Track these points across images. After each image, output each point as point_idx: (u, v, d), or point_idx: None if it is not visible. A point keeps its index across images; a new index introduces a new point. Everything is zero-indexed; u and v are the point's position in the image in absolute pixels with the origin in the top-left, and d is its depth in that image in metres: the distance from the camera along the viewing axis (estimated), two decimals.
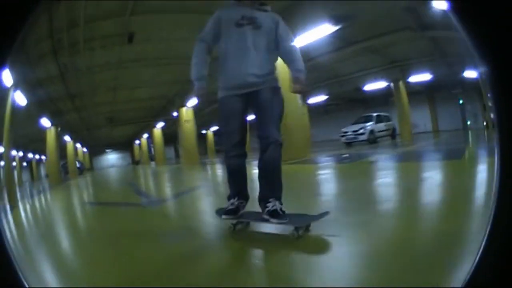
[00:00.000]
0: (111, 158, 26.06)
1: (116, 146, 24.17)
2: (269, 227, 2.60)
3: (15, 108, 7.64)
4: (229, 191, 2.83)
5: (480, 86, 11.24)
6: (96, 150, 24.01)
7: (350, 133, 16.23)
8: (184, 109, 14.20)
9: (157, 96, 13.84)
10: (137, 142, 24.09)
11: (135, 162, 24.76)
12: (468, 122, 21.98)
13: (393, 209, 3.15)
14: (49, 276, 2.42)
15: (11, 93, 7.24)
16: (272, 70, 2.79)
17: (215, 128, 22.22)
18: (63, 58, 8.14)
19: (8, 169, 8.05)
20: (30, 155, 17.85)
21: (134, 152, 25.24)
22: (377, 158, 8.37)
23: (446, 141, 13.77)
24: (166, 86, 12.43)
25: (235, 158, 2.78)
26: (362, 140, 15.72)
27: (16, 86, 7.32)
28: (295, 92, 2.75)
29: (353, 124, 16.66)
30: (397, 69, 14.17)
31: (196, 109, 13.77)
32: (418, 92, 17.92)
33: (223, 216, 2.76)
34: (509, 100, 1.03)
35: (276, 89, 2.78)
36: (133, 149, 25.15)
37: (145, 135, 21.79)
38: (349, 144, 15.78)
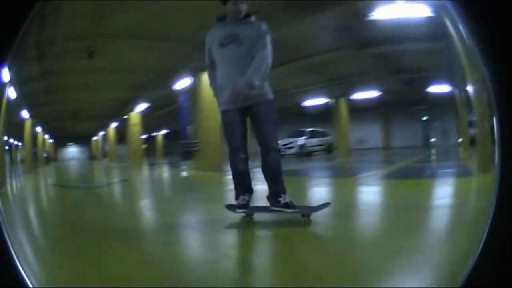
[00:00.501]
0: (72, 151, 27.82)
1: (77, 140, 26.22)
2: (276, 216, 3.23)
3: (8, 101, 10.24)
4: (237, 189, 3.31)
5: (457, 102, 10.42)
6: (60, 142, 25.76)
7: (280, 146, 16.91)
8: (132, 114, 16.27)
9: (112, 99, 15.43)
10: (94, 138, 26.19)
11: (92, 157, 26.68)
12: (433, 139, 22.87)
13: None
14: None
15: (6, 88, 9.42)
16: (261, 82, 3.15)
17: (164, 131, 23.98)
18: (42, 62, 9.91)
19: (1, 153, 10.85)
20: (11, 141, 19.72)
21: (91, 148, 27.31)
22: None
23: (388, 157, 14.87)
24: (120, 92, 14.18)
25: (240, 161, 3.23)
26: (291, 154, 16.38)
27: (10, 82, 9.63)
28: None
29: (287, 137, 17.10)
30: (339, 86, 14.46)
31: (144, 114, 15.95)
32: (372, 109, 18.39)
33: (237, 210, 3.28)
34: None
35: (268, 103, 3.20)
36: (91, 145, 27.23)
37: (101, 133, 23.85)
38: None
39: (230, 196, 3.54)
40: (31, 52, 9.02)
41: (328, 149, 18.44)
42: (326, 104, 17.36)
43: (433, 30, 7.88)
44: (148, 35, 8.74)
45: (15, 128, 14.55)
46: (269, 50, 3.16)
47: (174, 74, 10.67)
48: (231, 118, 3.23)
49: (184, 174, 10.24)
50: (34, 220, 4.41)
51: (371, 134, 20.65)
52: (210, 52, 3.28)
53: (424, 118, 21.52)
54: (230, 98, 3.15)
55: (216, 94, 3.32)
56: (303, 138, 17.43)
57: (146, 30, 8.53)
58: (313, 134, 18.16)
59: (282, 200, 3.09)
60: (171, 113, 15.00)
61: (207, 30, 3.36)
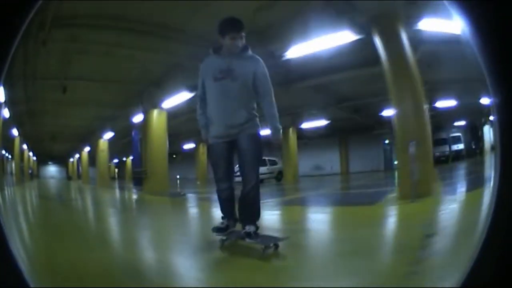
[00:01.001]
0: (52, 170, 29.24)
1: (56, 160, 27.96)
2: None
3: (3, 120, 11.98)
4: (222, 213, 3.43)
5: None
6: (42, 160, 27.52)
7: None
8: (100, 141, 17.38)
9: (83, 126, 16.88)
10: (71, 160, 27.98)
11: (69, 178, 28.45)
12: (396, 162, 23.10)
13: None
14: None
15: (2, 108, 11.09)
16: (249, 118, 3.25)
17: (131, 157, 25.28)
18: (27, 90, 11.43)
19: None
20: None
21: (68, 169, 29.01)
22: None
23: (323, 183, 15.49)
24: (89, 121, 15.76)
25: (223, 190, 3.36)
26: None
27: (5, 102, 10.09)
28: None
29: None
30: (287, 117, 14.87)
31: (110, 142, 17.41)
32: (329, 135, 18.96)
33: (214, 233, 3.38)
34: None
35: (253, 136, 3.26)
36: (68, 166, 28.97)
37: (77, 156, 25.59)
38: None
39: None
40: (19, 80, 10.59)
41: (277, 177, 19.27)
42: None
43: (365, 55, 8.38)
44: (107, 78, 10.67)
45: (8, 143, 16.36)
46: (272, 90, 3.32)
47: (130, 110, 12.49)
48: (218, 151, 3.34)
49: (135, 196, 12.14)
50: (24, 219, 6.22)
51: (329, 160, 21.14)
52: (203, 84, 3.37)
53: (386, 141, 21.54)
54: (221, 133, 3.28)
55: (203, 126, 3.42)
56: None
57: (105, 74, 10.44)
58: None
59: (246, 229, 3.22)
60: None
61: (202, 60, 3.42)
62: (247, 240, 3.19)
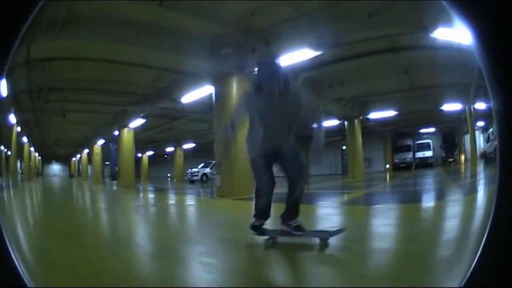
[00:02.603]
0: (56, 168, 34.51)
1: (60, 160, 33.16)
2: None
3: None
4: (257, 215, 3.76)
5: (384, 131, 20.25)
6: (47, 160, 32.89)
7: (189, 174, 21.65)
8: (95, 146, 22.56)
9: (81, 137, 22.12)
10: (73, 159, 32.73)
11: (70, 175, 33.36)
12: None
13: None
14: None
15: (15, 127, 16.26)
16: (290, 137, 3.70)
17: None
18: (35, 112, 15.03)
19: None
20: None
21: (70, 167, 34.13)
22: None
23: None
24: (84, 133, 20.94)
25: (265, 193, 3.73)
26: (196, 180, 20.61)
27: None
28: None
29: (195, 167, 21.54)
30: None
31: (104, 147, 22.50)
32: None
33: (251, 231, 3.73)
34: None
35: (295, 146, 3.70)
36: (70, 165, 34.02)
37: (78, 156, 30.41)
38: (191, 181, 21.03)
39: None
40: (27, 103, 13.57)
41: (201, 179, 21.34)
42: None
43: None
44: (93, 110, 16.06)
45: (19, 149, 21.24)
46: (320, 111, 3.80)
47: (110, 128, 17.98)
48: (260, 162, 3.73)
49: (114, 187, 18.02)
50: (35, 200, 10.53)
51: None
52: (247, 107, 3.77)
53: (344, 147, 22.31)
54: (263, 152, 3.66)
55: (249, 146, 3.85)
56: (207, 168, 21.08)
57: (91, 109, 15.78)
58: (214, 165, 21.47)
59: (294, 223, 3.57)
60: None
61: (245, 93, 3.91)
62: (296, 233, 3.53)
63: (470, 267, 1.15)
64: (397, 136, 24.27)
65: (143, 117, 15.38)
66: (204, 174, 20.98)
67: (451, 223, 4.22)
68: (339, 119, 17.21)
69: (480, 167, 15.57)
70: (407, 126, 22.22)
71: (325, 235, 3.52)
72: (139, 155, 29.56)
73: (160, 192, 14.79)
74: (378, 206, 7.20)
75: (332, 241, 3.42)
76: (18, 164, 23.67)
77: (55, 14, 7.01)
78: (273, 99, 3.51)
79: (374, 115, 17.51)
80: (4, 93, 6.56)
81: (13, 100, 12.28)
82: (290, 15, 7.90)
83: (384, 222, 4.92)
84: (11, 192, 12.52)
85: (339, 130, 17.97)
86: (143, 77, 11.10)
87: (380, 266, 2.67)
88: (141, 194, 13.34)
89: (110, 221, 6.30)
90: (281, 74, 3.54)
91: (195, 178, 21.11)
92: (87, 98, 13.57)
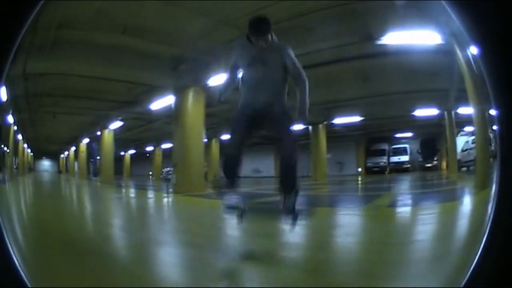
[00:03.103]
0: (46, 164, 35.10)
1: (50, 156, 34.10)
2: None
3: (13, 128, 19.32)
4: (224, 173, 3.84)
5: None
6: (38, 156, 33.82)
7: (164, 172, 22.19)
8: (80, 144, 24.75)
9: (68, 136, 24.25)
10: (62, 156, 34.64)
11: (59, 171, 34.95)
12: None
13: None
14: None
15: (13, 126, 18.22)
16: (279, 97, 3.70)
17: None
18: (29, 111, 16.91)
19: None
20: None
21: (59, 164, 35.73)
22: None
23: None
24: (72, 133, 23.08)
25: (231, 154, 3.83)
26: (171, 178, 20.91)
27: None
28: (297, 122, 3.72)
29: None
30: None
31: (89, 145, 24.81)
32: (265, 144, 21.29)
33: (226, 211, 3.90)
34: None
35: (285, 111, 3.73)
36: (59, 161, 35.65)
37: (66, 153, 32.68)
38: (167, 179, 21.30)
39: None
40: (23, 105, 15.62)
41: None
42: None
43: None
44: (79, 113, 18.54)
45: (15, 146, 23.05)
46: (304, 75, 3.72)
47: (93, 129, 20.39)
48: (242, 119, 3.75)
49: (95, 183, 20.33)
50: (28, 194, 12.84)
51: (266, 164, 23.35)
52: (235, 64, 3.85)
53: None
54: (249, 105, 3.69)
55: (220, 99, 3.92)
56: None
57: (78, 112, 18.30)
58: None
59: (288, 203, 3.60)
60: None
61: (236, 40, 3.98)
62: (286, 216, 3.50)
63: (470, 267, 1.18)
64: (372, 140, 24.96)
65: (121, 120, 17.91)
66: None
67: (443, 226, 4.36)
68: (304, 124, 18.51)
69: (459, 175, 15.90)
70: (383, 131, 22.68)
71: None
72: (122, 153, 31.36)
73: (132, 187, 17.54)
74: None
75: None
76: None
77: (45, 39, 9.07)
78: (263, 49, 3.55)
79: (338, 120, 18.48)
80: (4, 98, 9.08)
81: (11, 103, 14.25)
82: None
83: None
84: (10, 186, 14.16)
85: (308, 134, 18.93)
86: (118, 88, 13.40)
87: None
88: (115, 189, 15.80)
89: (81, 209, 8.60)
90: (271, 29, 3.56)
91: (169, 176, 21.62)
92: (73, 104, 15.87)
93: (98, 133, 19.99)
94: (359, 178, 21.28)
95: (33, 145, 28.71)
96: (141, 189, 16.60)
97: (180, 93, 11.61)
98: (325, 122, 19.08)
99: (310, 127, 18.92)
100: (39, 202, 9.75)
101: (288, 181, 3.64)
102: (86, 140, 24.40)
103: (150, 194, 13.32)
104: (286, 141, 3.62)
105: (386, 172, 23.07)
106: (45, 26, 8.30)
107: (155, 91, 12.91)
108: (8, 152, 18.70)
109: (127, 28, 8.64)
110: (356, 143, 25.24)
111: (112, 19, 8.39)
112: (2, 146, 20.96)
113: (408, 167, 22.86)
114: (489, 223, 1.22)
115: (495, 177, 1.24)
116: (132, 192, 14.14)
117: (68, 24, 8.40)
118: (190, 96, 11.47)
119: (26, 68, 10.00)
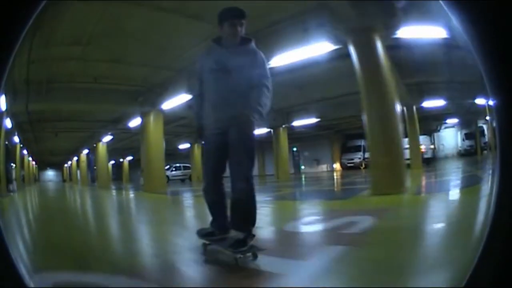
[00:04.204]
0: (50, 174, 39.84)
1: (53, 166, 38.53)
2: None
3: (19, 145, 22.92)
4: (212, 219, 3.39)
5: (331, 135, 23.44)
6: (42, 167, 38.33)
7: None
8: (81, 155, 28.97)
9: (70, 148, 28.26)
10: (65, 165, 38.18)
11: (63, 180, 38.82)
12: (302, 167, 26.91)
13: None
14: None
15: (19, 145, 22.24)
16: (243, 111, 3.10)
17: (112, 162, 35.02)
18: (32, 132, 20.11)
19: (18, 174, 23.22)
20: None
21: (63, 173, 39.69)
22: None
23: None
24: (73, 145, 26.86)
25: (210, 191, 3.36)
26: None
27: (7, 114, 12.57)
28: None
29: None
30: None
31: (88, 155, 28.94)
32: None
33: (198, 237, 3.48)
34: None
35: (245, 128, 3.15)
36: (63, 171, 39.74)
37: (69, 163, 36.07)
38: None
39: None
40: (28, 128, 18.83)
41: (190, 178, 25.92)
42: (189, 147, 25.46)
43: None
44: (77, 129, 22.57)
45: (21, 160, 26.81)
46: (267, 82, 3.20)
47: (90, 142, 24.71)
48: (209, 146, 3.29)
49: (94, 188, 24.56)
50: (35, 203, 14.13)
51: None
52: (200, 75, 3.36)
53: (294, 148, 24.10)
54: (213, 125, 3.25)
55: (198, 120, 3.40)
56: (171, 169, 26.03)
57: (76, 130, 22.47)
58: (178, 168, 27.46)
59: (234, 234, 3.10)
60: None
61: (201, 51, 3.54)
62: (234, 250, 2.92)
63: (471, 267, 1.18)
64: (348, 137, 25.79)
65: (111, 134, 22.11)
66: (165, 176, 24.73)
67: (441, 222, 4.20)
68: (267, 128, 19.91)
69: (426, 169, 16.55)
70: (356, 128, 22.99)
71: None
72: (121, 160, 35.03)
73: (121, 189, 21.20)
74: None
75: None
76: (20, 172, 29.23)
77: (40, 89, 12.44)
78: (236, 51, 3.19)
79: (297, 123, 19.42)
80: (9, 125, 12.59)
81: (17, 127, 17.90)
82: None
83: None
84: (18, 195, 16.07)
85: (290, 134, 20.63)
86: (101, 114, 18.08)
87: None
88: (107, 191, 19.57)
89: (77, 205, 12.07)
90: (244, 20, 3.18)
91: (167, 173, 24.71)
92: (70, 125, 20.10)
93: (94, 145, 24.13)
94: (330, 175, 22.38)
95: (38, 158, 32.09)
96: (126, 189, 20.15)
97: (144, 116, 15.15)
98: (285, 125, 20.16)
99: (271, 131, 20.14)
100: (44, 205, 12.14)
101: (240, 217, 3.19)
102: (85, 151, 28.50)
103: (131, 193, 16.62)
104: (238, 168, 3.16)
105: (362, 168, 23.24)
106: (37, 80, 11.59)
107: (128, 114, 16.95)
108: (15, 167, 22.41)
109: (96, 78, 12.67)
110: (330, 141, 26.12)
111: (85, 72, 12.29)
112: (11, 162, 24.98)
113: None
114: (490, 221, 1.20)
115: (494, 172, 1.22)
116: (118, 192, 17.99)
117: (55, 78, 12.20)
118: (151, 118, 14.88)
119: (28, 107, 13.96)
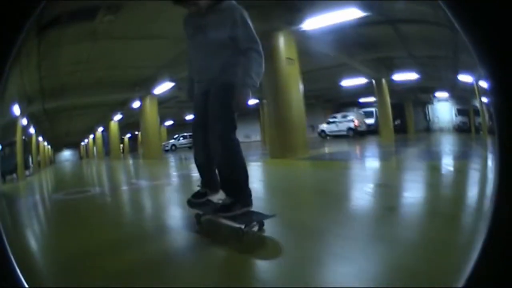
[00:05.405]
0: (67, 154, 39.72)
1: (70, 146, 39.30)
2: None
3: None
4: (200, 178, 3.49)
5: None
6: (58, 149, 38.77)
7: (163, 145, 27.30)
8: (97, 133, 32.21)
9: (87, 127, 30.61)
10: (82, 143, 40.69)
11: (80, 157, 40.16)
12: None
13: None
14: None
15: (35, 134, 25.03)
16: (224, 70, 3.13)
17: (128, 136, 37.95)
18: (48, 121, 21.78)
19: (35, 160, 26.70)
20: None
21: (80, 151, 41.38)
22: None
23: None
24: (89, 124, 29.22)
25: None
26: (167, 149, 28.45)
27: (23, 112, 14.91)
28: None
29: (171, 139, 29.26)
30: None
31: (103, 133, 32.46)
32: (252, 113, 23.55)
33: (188, 205, 3.40)
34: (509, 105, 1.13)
35: (224, 85, 3.11)
36: (80, 149, 41.61)
37: (86, 140, 39.30)
38: (166, 151, 27.90)
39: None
40: (44, 119, 21.90)
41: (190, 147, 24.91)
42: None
43: None
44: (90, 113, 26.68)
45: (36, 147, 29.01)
46: (254, 42, 3.09)
47: (102, 123, 28.75)
48: (195, 106, 3.31)
49: (107, 161, 29.03)
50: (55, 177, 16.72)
51: (254, 130, 26.99)
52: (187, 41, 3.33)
53: None
54: (198, 87, 3.32)
55: (188, 82, 3.54)
56: (176, 140, 29.45)
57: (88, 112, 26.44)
58: (184, 137, 29.67)
59: (221, 200, 3.13)
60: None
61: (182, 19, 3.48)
62: (219, 214, 2.96)
63: (470, 267, 1.19)
64: (341, 105, 26.01)
65: (120, 113, 25.97)
66: (173, 145, 28.98)
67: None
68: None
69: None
70: (348, 97, 23.99)
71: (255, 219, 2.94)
72: (136, 133, 36.83)
73: (128, 159, 25.64)
74: None
75: None
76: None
77: (54, 91, 16.14)
78: (206, 18, 3.10)
79: None
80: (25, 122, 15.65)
81: (33, 121, 19.85)
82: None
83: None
84: (33, 178, 16.92)
85: None
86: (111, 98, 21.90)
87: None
88: (118, 161, 23.81)
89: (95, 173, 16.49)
90: None
91: (166, 148, 28.77)
92: (84, 111, 23.34)
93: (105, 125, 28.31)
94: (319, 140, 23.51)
95: (52, 141, 33.44)
96: (134, 158, 24.50)
97: (142, 99, 19.67)
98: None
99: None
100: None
101: (222, 179, 3.20)
102: (101, 129, 32.17)
103: (136, 159, 21.71)
104: (214, 125, 3.08)
105: (351, 136, 23.27)
106: (50, 85, 14.83)
107: (130, 99, 20.88)
108: (31, 155, 23.55)
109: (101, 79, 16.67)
110: (323, 109, 26.38)
111: (90, 76, 16.15)
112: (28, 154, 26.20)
113: (374, 130, 22.35)
114: (489, 221, 1.20)
115: (495, 172, 1.19)
116: (124, 161, 22.79)
117: (65, 81, 15.46)
118: (147, 101, 19.44)
119: (44, 106, 17.75)
